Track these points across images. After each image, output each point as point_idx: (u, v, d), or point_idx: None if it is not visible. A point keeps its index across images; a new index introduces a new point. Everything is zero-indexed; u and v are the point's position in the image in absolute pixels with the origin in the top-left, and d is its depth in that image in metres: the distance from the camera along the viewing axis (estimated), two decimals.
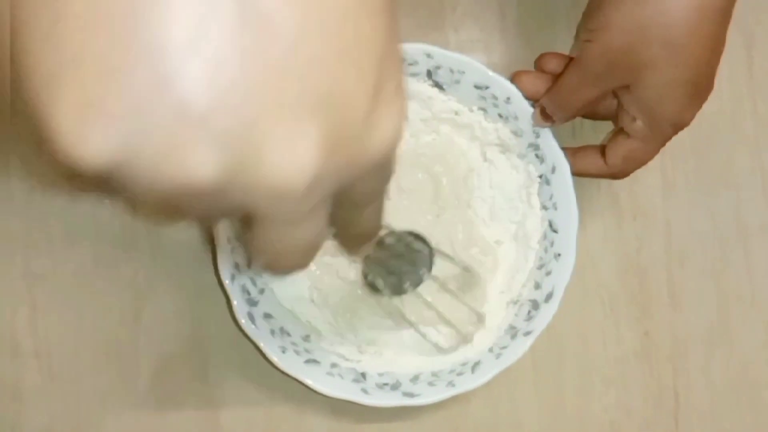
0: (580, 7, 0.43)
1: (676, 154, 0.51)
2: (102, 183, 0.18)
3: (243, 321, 0.44)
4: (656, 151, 0.43)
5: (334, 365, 0.45)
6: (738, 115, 0.52)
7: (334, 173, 0.20)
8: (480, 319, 0.46)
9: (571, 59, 0.44)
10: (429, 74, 0.47)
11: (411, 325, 0.46)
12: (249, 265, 0.44)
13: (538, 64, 0.46)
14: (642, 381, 0.50)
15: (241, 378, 0.48)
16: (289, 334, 0.46)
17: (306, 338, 0.46)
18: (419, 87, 0.47)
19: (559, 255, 0.46)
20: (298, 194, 0.19)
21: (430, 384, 0.45)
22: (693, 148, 0.51)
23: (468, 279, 0.47)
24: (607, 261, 0.50)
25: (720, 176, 0.51)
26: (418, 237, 0.46)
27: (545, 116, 0.45)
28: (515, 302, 0.47)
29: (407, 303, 0.46)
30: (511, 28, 0.50)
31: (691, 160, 0.51)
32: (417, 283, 0.46)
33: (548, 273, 0.46)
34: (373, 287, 0.46)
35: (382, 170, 0.22)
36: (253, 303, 0.45)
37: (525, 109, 0.46)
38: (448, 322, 0.46)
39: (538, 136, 0.46)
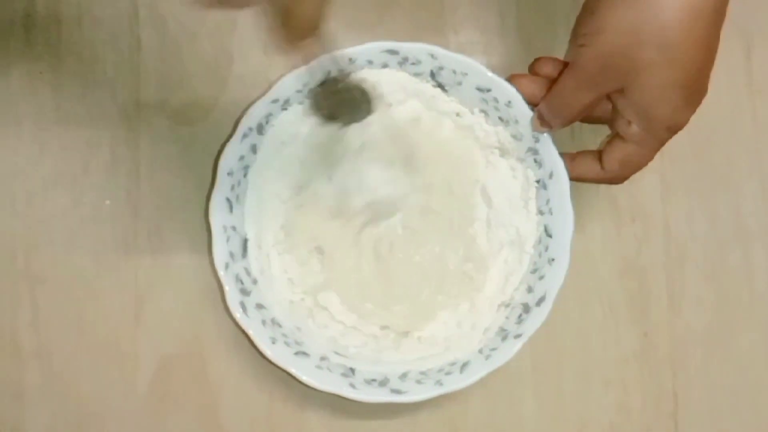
0: (580, 9, 0.43)
1: (675, 156, 0.51)
2: None
3: (235, 311, 0.45)
4: (652, 154, 0.43)
5: (323, 358, 0.46)
6: (737, 117, 0.52)
7: None
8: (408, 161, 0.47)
9: (566, 64, 0.45)
10: (432, 75, 0.47)
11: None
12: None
13: (533, 68, 0.46)
14: (641, 382, 0.50)
15: (241, 378, 0.48)
16: (280, 325, 0.46)
17: (296, 330, 0.46)
18: (423, 86, 0.47)
19: (552, 260, 0.46)
20: None
21: (418, 382, 0.45)
22: (692, 151, 0.51)
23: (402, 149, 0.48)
24: (606, 263, 0.50)
25: (719, 178, 0.51)
26: (363, 91, 0.45)
27: (543, 122, 0.45)
28: (507, 305, 0.47)
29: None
30: (510, 30, 0.51)
31: (691, 162, 0.51)
32: (351, 121, 0.46)
33: (541, 277, 0.46)
34: (314, 107, 0.45)
35: None
36: (246, 293, 0.45)
37: (525, 114, 0.46)
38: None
39: (537, 140, 0.46)
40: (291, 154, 0.47)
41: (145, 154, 0.48)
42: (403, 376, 0.46)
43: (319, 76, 0.44)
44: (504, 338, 0.46)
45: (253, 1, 0.31)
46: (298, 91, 0.46)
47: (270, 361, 0.45)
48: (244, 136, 0.45)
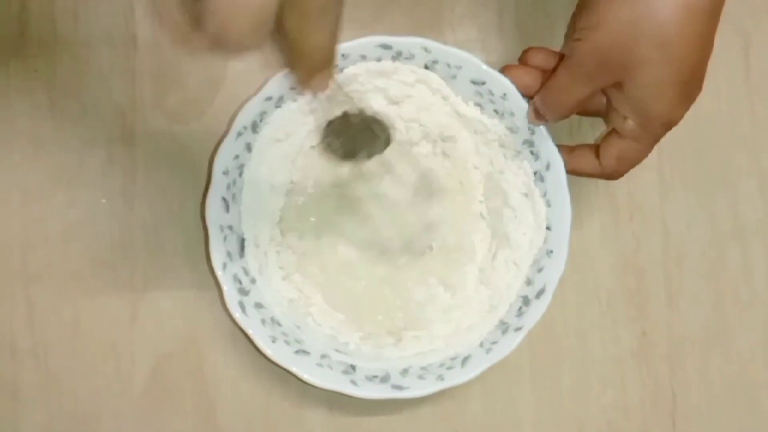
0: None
1: (674, 153, 0.51)
2: None
3: (234, 310, 0.44)
4: (648, 150, 0.43)
5: (324, 356, 0.45)
6: (735, 115, 0.52)
7: None
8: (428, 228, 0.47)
9: (556, 53, 0.45)
10: (426, 69, 0.47)
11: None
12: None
13: (524, 59, 0.46)
14: (639, 380, 0.50)
15: (238, 376, 0.48)
16: (279, 324, 0.46)
17: (296, 328, 0.46)
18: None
19: (551, 252, 0.46)
20: None
21: (420, 377, 0.45)
22: (690, 148, 0.51)
23: (426, 185, 0.47)
24: (604, 260, 0.50)
25: (717, 176, 0.51)
26: (380, 122, 0.44)
27: (538, 116, 0.45)
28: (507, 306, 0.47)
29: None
30: (509, 27, 0.51)
31: (689, 159, 0.51)
32: (371, 155, 0.45)
33: (540, 269, 0.46)
34: (328, 148, 0.44)
35: None
36: (244, 292, 0.45)
37: (521, 106, 0.46)
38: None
39: (533, 132, 0.46)
40: (286, 151, 0.47)
41: (140, 152, 0.48)
42: (405, 372, 0.46)
43: (332, 114, 0.42)
44: (504, 331, 0.46)
45: (252, 46, 0.29)
46: (292, 88, 0.46)
47: (270, 360, 0.44)
48: (239, 134, 0.45)
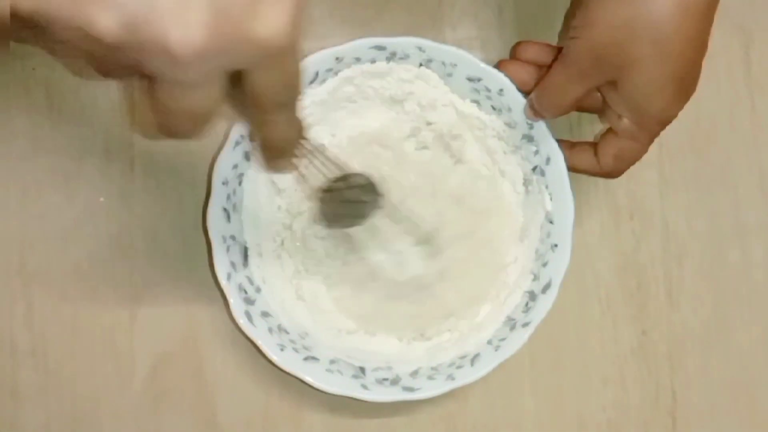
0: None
1: (674, 152, 0.51)
2: (26, 30, 0.24)
3: (241, 320, 0.44)
4: (645, 148, 0.43)
5: (333, 362, 0.45)
6: (736, 113, 0.52)
7: (222, 49, 0.25)
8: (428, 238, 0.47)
9: (548, 46, 0.45)
10: (421, 68, 0.47)
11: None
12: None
13: (515, 54, 0.46)
14: (639, 379, 0.50)
15: (238, 376, 0.48)
16: (287, 332, 0.45)
17: (304, 335, 0.46)
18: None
19: (555, 246, 0.46)
20: (187, 59, 0.24)
21: (430, 378, 0.45)
22: (691, 147, 0.51)
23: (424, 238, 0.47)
24: (604, 259, 0.50)
25: (718, 174, 0.51)
26: (369, 187, 0.44)
27: (535, 113, 0.45)
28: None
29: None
30: (508, 25, 0.50)
31: (689, 158, 0.51)
32: (363, 219, 0.45)
33: (545, 264, 0.46)
34: (321, 217, 0.45)
35: (277, 64, 0.27)
36: (250, 302, 0.45)
37: (518, 101, 0.46)
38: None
39: (531, 127, 0.46)
40: None
41: (139, 151, 0.48)
42: (414, 374, 0.45)
43: (318, 184, 0.42)
44: (512, 328, 0.46)
45: (197, 136, 0.29)
46: None
47: (280, 369, 0.44)
48: (236, 143, 0.45)
